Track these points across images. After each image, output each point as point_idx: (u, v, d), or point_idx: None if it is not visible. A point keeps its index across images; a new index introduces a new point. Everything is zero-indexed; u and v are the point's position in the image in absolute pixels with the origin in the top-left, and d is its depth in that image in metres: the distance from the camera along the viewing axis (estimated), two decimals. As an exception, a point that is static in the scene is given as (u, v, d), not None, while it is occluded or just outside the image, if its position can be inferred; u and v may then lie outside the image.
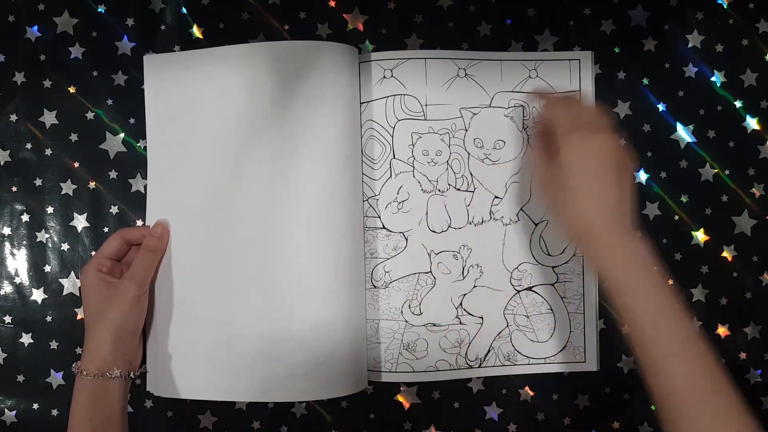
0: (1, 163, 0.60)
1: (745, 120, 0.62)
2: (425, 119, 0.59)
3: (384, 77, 0.58)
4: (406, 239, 0.59)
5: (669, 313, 0.45)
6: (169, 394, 0.56)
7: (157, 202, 0.57)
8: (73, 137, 0.60)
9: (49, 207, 0.60)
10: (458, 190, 0.59)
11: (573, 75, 0.60)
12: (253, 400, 0.55)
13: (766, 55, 0.62)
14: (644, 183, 0.62)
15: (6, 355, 0.59)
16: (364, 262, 0.58)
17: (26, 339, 0.59)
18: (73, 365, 0.51)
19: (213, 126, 0.56)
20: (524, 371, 0.59)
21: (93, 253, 0.59)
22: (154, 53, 0.59)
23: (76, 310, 0.59)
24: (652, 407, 0.61)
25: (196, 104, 0.57)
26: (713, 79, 0.62)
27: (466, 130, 0.59)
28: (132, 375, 0.52)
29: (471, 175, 0.59)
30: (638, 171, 0.62)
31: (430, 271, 0.59)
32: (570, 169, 0.48)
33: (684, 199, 0.62)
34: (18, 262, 0.60)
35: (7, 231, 0.60)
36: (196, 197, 0.56)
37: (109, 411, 0.50)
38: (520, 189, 0.59)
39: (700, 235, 0.62)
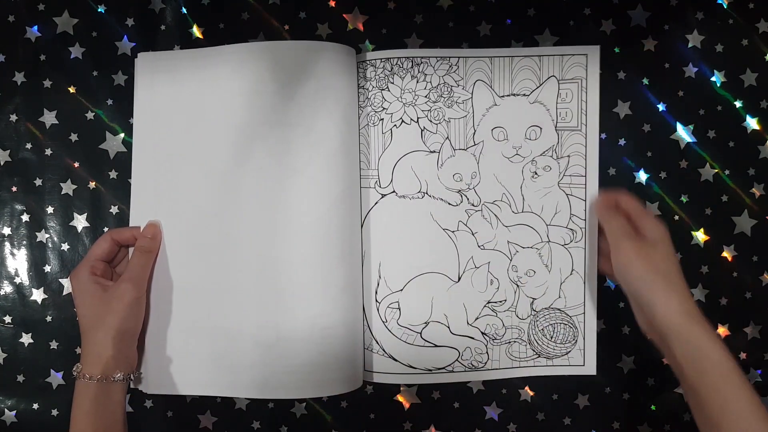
0: (1, 163, 0.60)
1: (745, 120, 0.62)
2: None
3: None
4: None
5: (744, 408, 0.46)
6: (167, 391, 0.56)
7: (143, 202, 0.57)
8: (73, 137, 0.60)
9: (49, 207, 0.60)
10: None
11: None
12: (250, 396, 0.55)
13: (766, 55, 0.62)
14: (644, 183, 0.62)
15: (6, 355, 0.59)
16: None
17: (26, 339, 0.59)
18: (74, 369, 0.51)
19: (208, 126, 0.56)
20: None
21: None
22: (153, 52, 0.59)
23: (76, 310, 0.59)
24: (652, 407, 0.61)
25: (191, 104, 0.57)
26: (713, 79, 0.62)
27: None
28: (132, 377, 0.52)
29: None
30: (638, 171, 0.62)
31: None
32: (623, 276, 0.52)
33: (684, 199, 0.62)
34: (18, 262, 0.60)
35: (7, 231, 0.60)
36: (189, 198, 0.56)
37: (111, 414, 0.50)
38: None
39: (700, 235, 0.62)
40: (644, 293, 0.50)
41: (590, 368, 0.59)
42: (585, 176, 0.59)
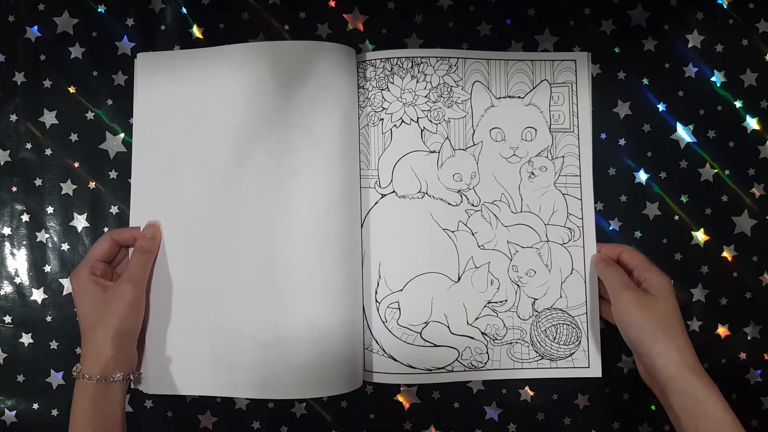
0: (1, 163, 0.60)
1: (745, 120, 0.62)
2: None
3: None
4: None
5: None
6: (167, 391, 0.56)
7: (143, 202, 0.57)
8: (73, 137, 0.60)
9: (49, 207, 0.60)
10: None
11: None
12: (250, 396, 0.55)
13: (766, 55, 0.62)
14: (644, 183, 0.62)
15: (6, 355, 0.59)
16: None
17: (26, 339, 0.59)
18: (74, 369, 0.51)
19: (208, 126, 0.56)
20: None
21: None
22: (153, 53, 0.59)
23: (76, 310, 0.59)
24: (652, 407, 0.61)
25: (191, 104, 0.57)
26: (713, 79, 0.62)
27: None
28: (132, 377, 0.52)
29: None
30: (638, 171, 0.62)
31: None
32: (623, 326, 0.52)
33: (684, 199, 0.62)
34: (18, 262, 0.60)
35: (7, 231, 0.60)
36: (189, 198, 0.56)
37: (110, 414, 0.50)
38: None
39: (700, 235, 0.62)
40: (644, 343, 0.50)
41: (595, 370, 0.59)
42: (579, 176, 0.59)
